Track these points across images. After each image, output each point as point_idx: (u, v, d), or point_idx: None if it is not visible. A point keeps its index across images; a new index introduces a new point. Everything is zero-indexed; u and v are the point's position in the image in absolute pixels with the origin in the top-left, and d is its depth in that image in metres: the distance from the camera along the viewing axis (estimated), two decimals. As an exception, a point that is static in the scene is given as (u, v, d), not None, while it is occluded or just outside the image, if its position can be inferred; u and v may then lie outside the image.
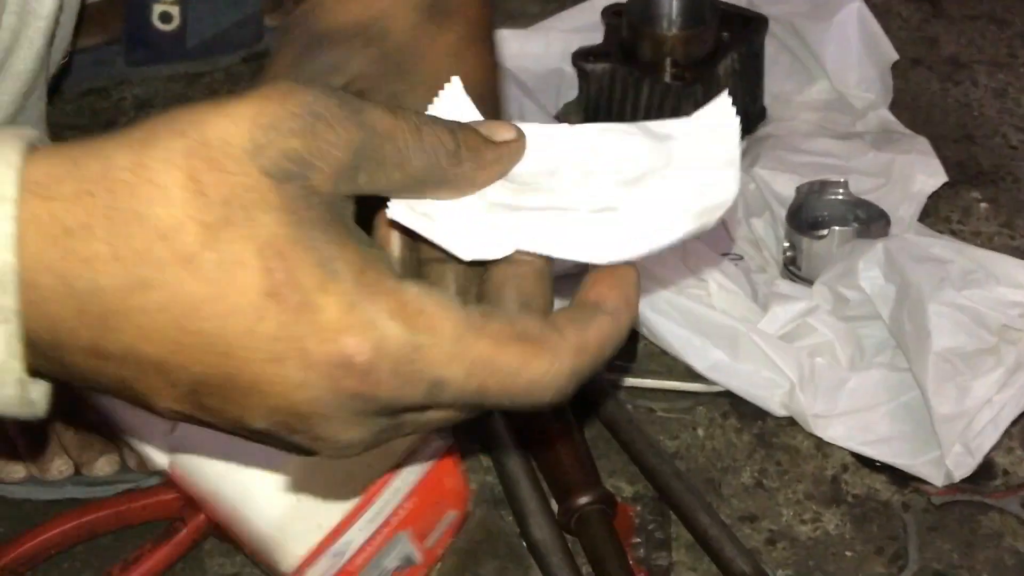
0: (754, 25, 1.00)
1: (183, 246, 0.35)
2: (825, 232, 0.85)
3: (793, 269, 0.87)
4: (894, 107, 1.05)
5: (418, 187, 0.40)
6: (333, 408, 0.37)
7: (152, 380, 0.38)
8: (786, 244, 0.87)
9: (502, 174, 0.42)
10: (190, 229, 0.35)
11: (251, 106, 0.36)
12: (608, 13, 1.02)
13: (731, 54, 0.97)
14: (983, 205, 0.96)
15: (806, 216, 0.88)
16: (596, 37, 1.04)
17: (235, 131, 0.36)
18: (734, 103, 0.98)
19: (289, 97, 0.37)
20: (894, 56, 1.02)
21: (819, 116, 1.02)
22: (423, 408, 0.39)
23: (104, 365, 0.37)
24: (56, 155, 0.36)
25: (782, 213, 0.89)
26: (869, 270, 0.77)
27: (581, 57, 0.98)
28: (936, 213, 0.95)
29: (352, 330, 0.36)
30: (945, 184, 0.96)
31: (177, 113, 0.37)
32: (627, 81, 0.96)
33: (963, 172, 1.00)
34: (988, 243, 0.93)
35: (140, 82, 1.11)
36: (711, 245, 0.90)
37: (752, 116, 1.03)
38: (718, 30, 0.97)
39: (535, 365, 0.38)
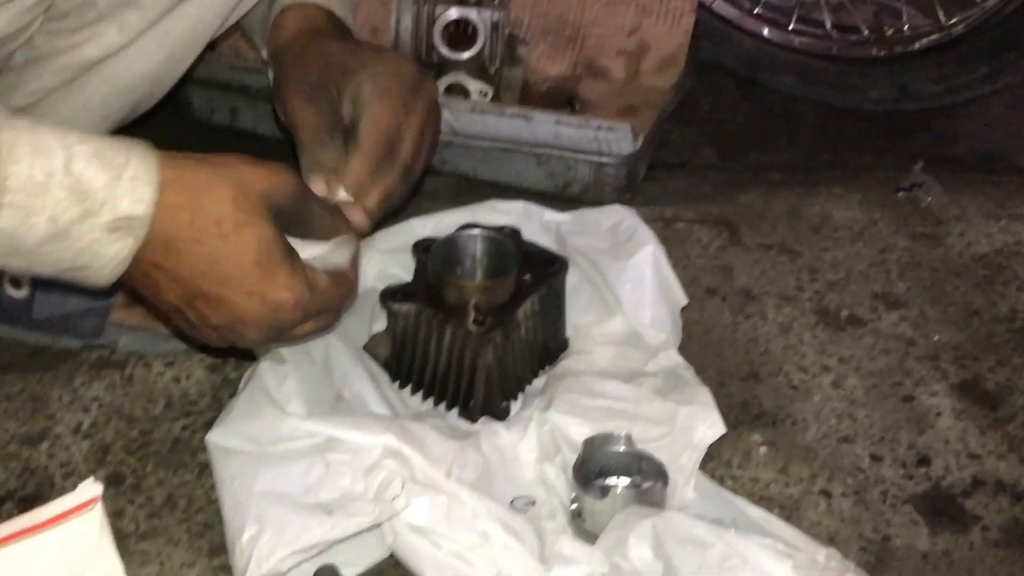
0: (555, 268, 1.05)
1: (224, 227, 0.75)
2: (607, 490, 0.89)
3: (579, 522, 0.90)
4: (687, 339, 1.12)
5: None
6: (263, 322, 0.79)
7: (173, 285, 0.77)
8: (573, 495, 0.91)
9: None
10: (228, 221, 0.75)
11: (268, 174, 0.78)
12: (419, 248, 1.06)
13: (531, 297, 1.02)
14: (762, 449, 1.03)
15: (591, 467, 0.92)
16: (410, 260, 1.08)
17: (258, 181, 0.77)
18: (533, 340, 1.05)
19: (286, 177, 0.80)
20: (684, 300, 1.09)
21: (615, 351, 1.07)
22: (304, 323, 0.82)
23: (157, 271, 0.76)
24: (175, 164, 0.75)
25: (572, 458, 0.94)
26: (640, 547, 0.81)
27: (388, 297, 1.02)
28: (719, 457, 1.01)
29: (290, 289, 0.78)
30: (729, 426, 1.01)
31: (229, 164, 0.77)
32: (431, 323, 1.00)
33: (746, 412, 1.06)
34: (764, 490, 0.98)
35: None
36: (505, 487, 0.94)
37: (553, 350, 1.07)
38: (520, 274, 1.02)
39: (353, 295, 0.89)
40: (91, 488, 0.72)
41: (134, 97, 1.00)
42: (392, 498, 0.84)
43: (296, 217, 0.81)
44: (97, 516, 0.72)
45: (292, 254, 0.79)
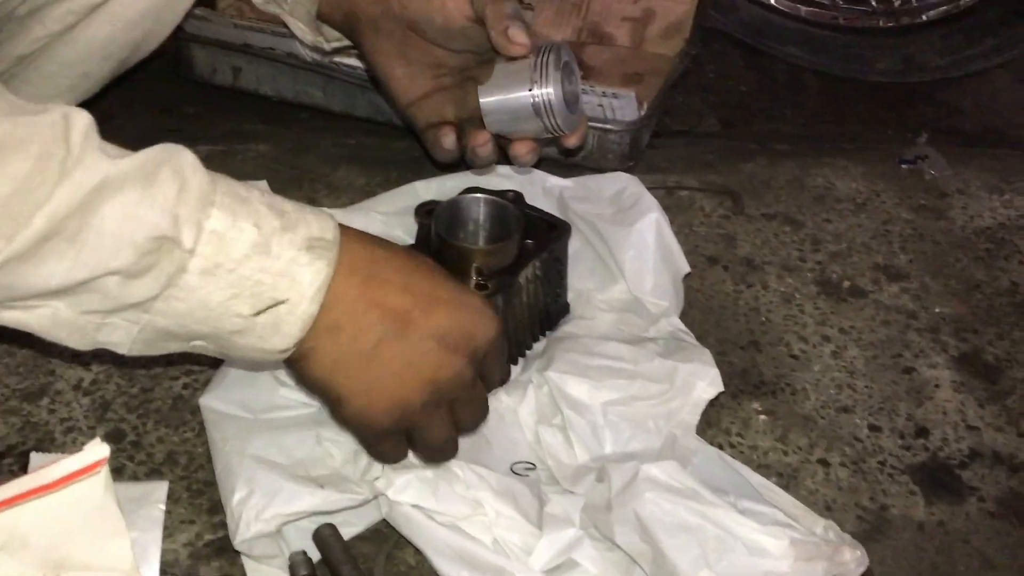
0: (558, 232, 1.04)
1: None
2: None
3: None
4: (689, 307, 1.12)
5: None
6: (485, 310, 0.78)
7: (390, 295, 0.74)
8: None
9: None
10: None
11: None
12: (421, 212, 1.06)
13: (533, 262, 1.01)
14: (762, 418, 1.03)
15: None
16: (412, 223, 1.08)
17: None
18: (534, 305, 1.06)
19: None
20: (686, 268, 1.09)
21: (616, 317, 1.07)
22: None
23: (366, 287, 0.73)
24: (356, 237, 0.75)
25: (572, 416, 0.94)
26: (626, 535, 0.81)
27: (389, 259, 1.01)
28: (718, 424, 1.01)
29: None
30: (729, 394, 1.02)
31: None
32: (433, 285, 0.99)
33: (746, 381, 1.06)
34: (763, 458, 0.99)
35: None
36: (504, 452, 0.94)
37: (554, 315, 1.07)
38: (522, 238, 1.02)
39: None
40: (98, 449, 0.72)
41: (136, 35, 0.99)
42: (374, 479, 0.84)
43: None
44: (103, 478, 0.72)
45: None
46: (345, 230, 0.74)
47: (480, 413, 0.83)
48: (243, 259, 0.68)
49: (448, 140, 0.99)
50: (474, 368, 0.78)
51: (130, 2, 0.97)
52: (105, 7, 0.96)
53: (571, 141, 0.97)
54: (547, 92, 0.91)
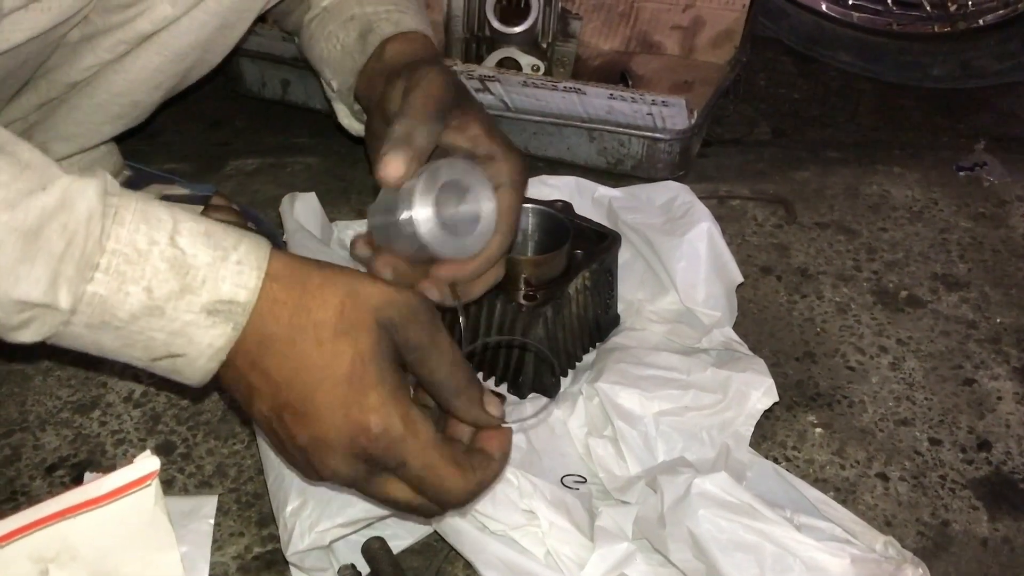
0: (607, 243, 1.03)
1: (322, 333, 0.67)
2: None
3: None
4: (742, 318, 1.10)
5: (433, 390, 0.71)
6: (343, 446, 0.67)
7: (264, 390, 0.68)
8: None
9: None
10: (328, 327, 0.67)
11: (387, 289, 0.68)
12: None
13: (583, 272, 1.00)
14: (818, 431, 1.00)
15: None
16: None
17: (373, 294, 0.68)
18: (584, 316, 1.02)
19: (409, 297, 0.69)
20: (739, 279, 1.07)
21: (668, 328, 1.06)
22: (390, 472, 0.68)
23: (250, 372, 0.68)
24: (287, 260, 0.68)
25: (623, 427, 0.92)
26: (680, 551, 0.79)
27: (438, 270, 1.00)
28: (773, 438, 0.99)
29: (377, 414, 0.66)
30: (784, 407, 1.00)
31: (347, 272, 0.69)
32: (482, 297, 0.98)
33: (801, 393, 1.04)
34: (820, 472, 0.96)
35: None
36: (555, 464, 0.93)
37: (604, 326, 1.06)
38: (571, 249, 1.01)
39: (455, 480, 0.69)
40: (148, 462, 0.72)
41: (185, 64, 1.00)
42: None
43: (417, 347, 0.69)
44: (153, 491, 0.71)
45: (395, 380, 0.68)
46: (272, 282, 0.67)
47: (434, 491, 0.69)
48: (131, 319, 0.65)
49: (358, 245, 0.84)
50: (365, 466, 0.68)
51: (180, 34, 0.97)
52: (155, 38, 0.96)
53: (449, 270, 0.81)
54: (414, 215, 0.76)
